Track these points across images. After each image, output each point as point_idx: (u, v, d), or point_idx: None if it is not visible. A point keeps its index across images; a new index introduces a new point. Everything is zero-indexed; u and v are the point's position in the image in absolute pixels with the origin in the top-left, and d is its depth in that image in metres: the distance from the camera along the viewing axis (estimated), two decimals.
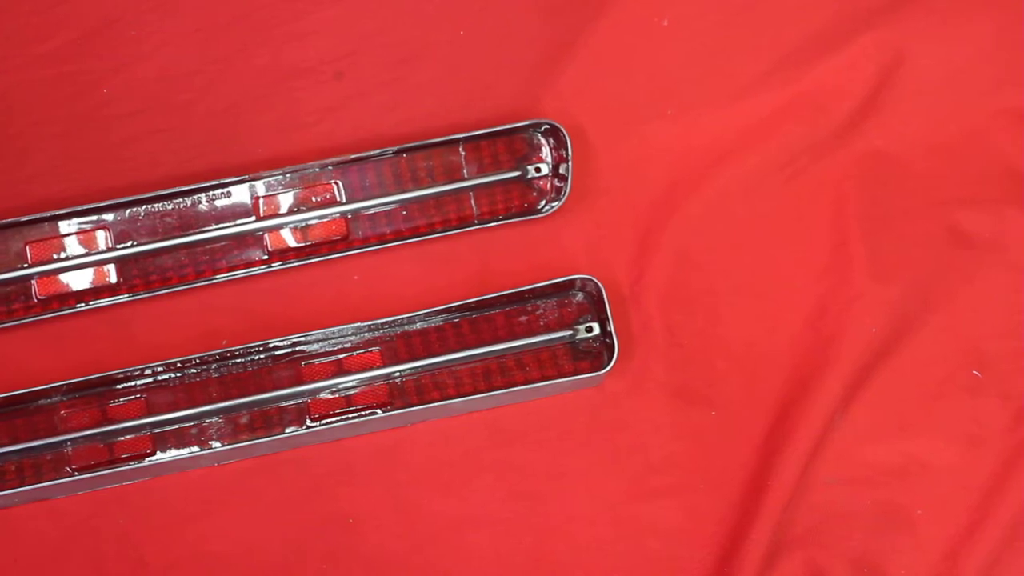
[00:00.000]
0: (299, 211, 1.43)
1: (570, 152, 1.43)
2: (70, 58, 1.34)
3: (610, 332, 1.41)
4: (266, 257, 1.44)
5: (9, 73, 1.34)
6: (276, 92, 1.40)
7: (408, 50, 1.41)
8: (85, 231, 1.41)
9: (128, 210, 1.42)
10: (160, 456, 1.38)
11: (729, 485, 1.41)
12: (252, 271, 1.43)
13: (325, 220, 1.44)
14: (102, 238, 1.41)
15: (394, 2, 1.38)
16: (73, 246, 1.41)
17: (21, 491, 1.36)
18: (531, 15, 1.43)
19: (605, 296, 1.41)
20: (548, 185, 1.46)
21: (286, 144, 1.43)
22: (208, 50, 1.37)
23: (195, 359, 1.40)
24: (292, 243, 1.44)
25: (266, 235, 1.44)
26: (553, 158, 1.46)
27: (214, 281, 1.43)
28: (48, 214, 1.40)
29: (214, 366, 1.41)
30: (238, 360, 1.41)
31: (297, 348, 1.41)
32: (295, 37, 1.38)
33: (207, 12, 1.35)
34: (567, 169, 1.44)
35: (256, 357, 1.41)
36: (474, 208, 1.46)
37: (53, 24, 1.33)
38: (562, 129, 1.43)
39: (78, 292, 1.42)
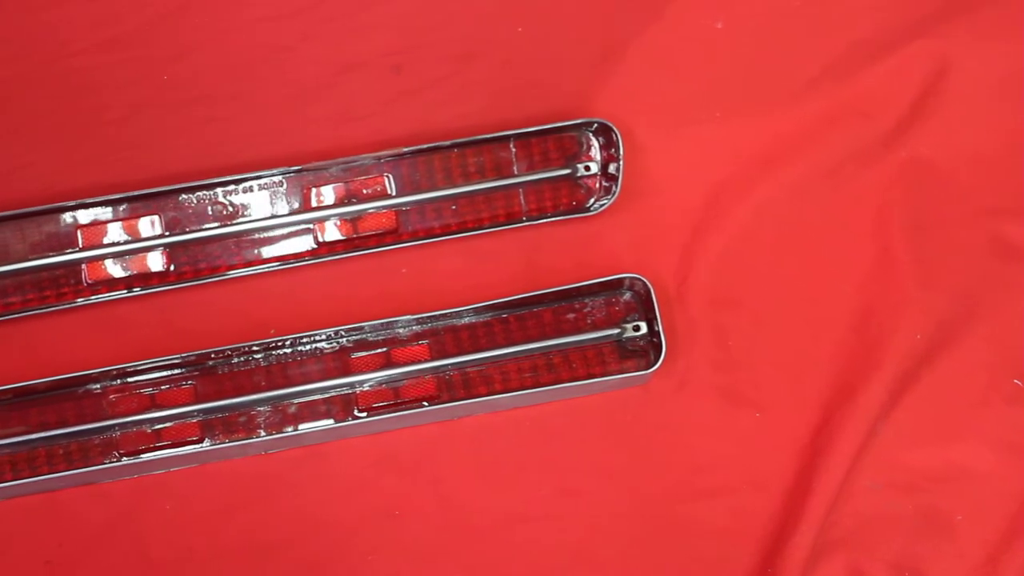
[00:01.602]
0: (350, 203, 1.44)
1: (621, 151, 1.43)
2: (134, 44, 1.34)
3: (658, 332, 1.41)
4: (316, 247, 1.44)
5: (72, 57, 1.34)
6: (334, 84, 1.41)
7: (466, 46, 1.41)
8: (136, 217, 1.41)
9: (180, 197, 1.42)
10: (207, 444, 1.38)
11: (773, 487, 1.42)
12: (302, 262, 1.43)
13: (375, 212, 1.44)
14: (153, 224, 1.41)
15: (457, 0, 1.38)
16: (124, 232, 1.41)
17: (68, 475, 1.37)
18: (589, 14, 1.44)
19: (654, 295, 1.41)
20: (596, 184, 1.47)
21: (340, 136, 1.43)
22: (271, 40, 1.37)
23: (243, 347, 1.40)
24: (342, 235, 1.44)
25: (316, 226, 1.44)
26: (602, 157, 1.46)
27: (263, 270, 1.43)
28: (100, 199, 1.40)
29: (262, 355, 1.41)
30: (286, 349, 1.41)
31: (346, 339, 1.42)
32: (357, 30, 1.38)
33: (274, 2, 1.35)
34: (617, 168, 1.45)
35: (304, 347, 1.41)
36: (523, 205, 1.47)
37: (119, 9, 1.33)
38: (614, 128, 1.43)
39: (127, 278, 1.42)
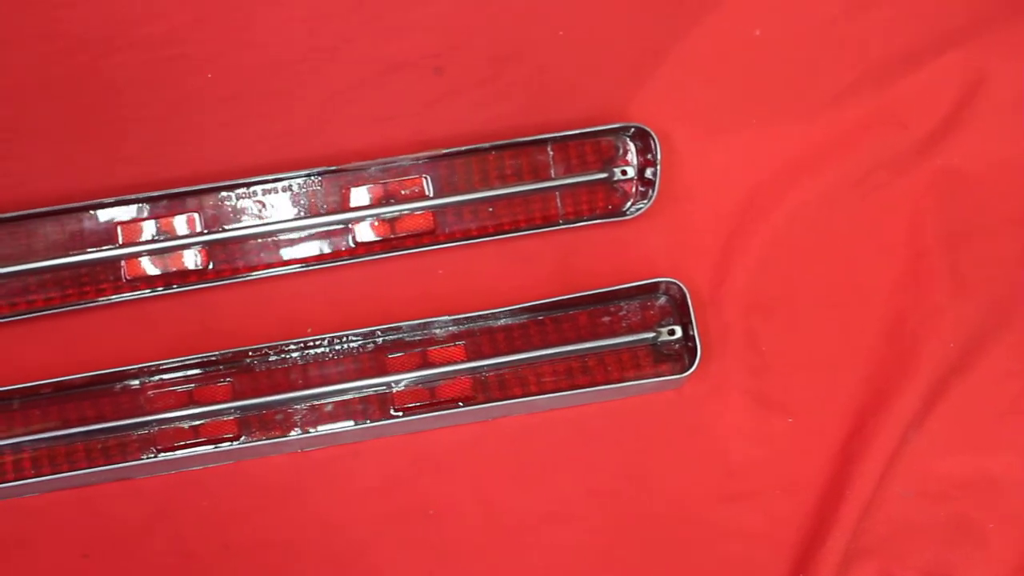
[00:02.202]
0: (388, 203, 1.44)
1: (659, 156, 1.44)
2: (177, 41, 1.35)
3: (693, 336, 1.42)
4: (353, 247, 1.45)
5: (115, 54, 1.34)
6: (375, 84, 1.41)
7: (507, 48, 1.42)
8: (175, 215, 1.42)
9: (219, 195, 1.43)
10: (244, 441, 1.39)
11: (806, 492, 1.43)
12: (339, 261, 1.44)
13: (413, 213, 1.45)
14: (192, 222, 1.42)
15: (499, 1, 1.39)
16: (163, 229, 1.42)
17: (106, 470, 1.37)
18: (629, 19, 1.44)
19: (689, 300, 1.42)
20: (632, 188, 1.47)
21: (379, 136, 1.44)
22: (314, 39, 1.38)
23: (280, 346, 1.40)
24: (379, 235, 1.45)
25: (354, 226, 1.44)
26: (639, 161, 1.47)
27: (301, 269, 1.43)
28: (139, 196, 1.41)
29: (299, 353, 1.41)
30: (323, 348, 1.42)
31: (382, 339, 1.42)
32: (400, 30, 1.39)
33: (317, 2, 1.35)
34: (654, 173, 1.45)
35: (341, 346, 1.42)
36: (559, 208, 1.47)
37: (162, 7, 1.34)
38: (651, 133, 1.44)
39: (166, 275, 1.42)
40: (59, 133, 1.39)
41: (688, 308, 1.42)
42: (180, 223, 1.42)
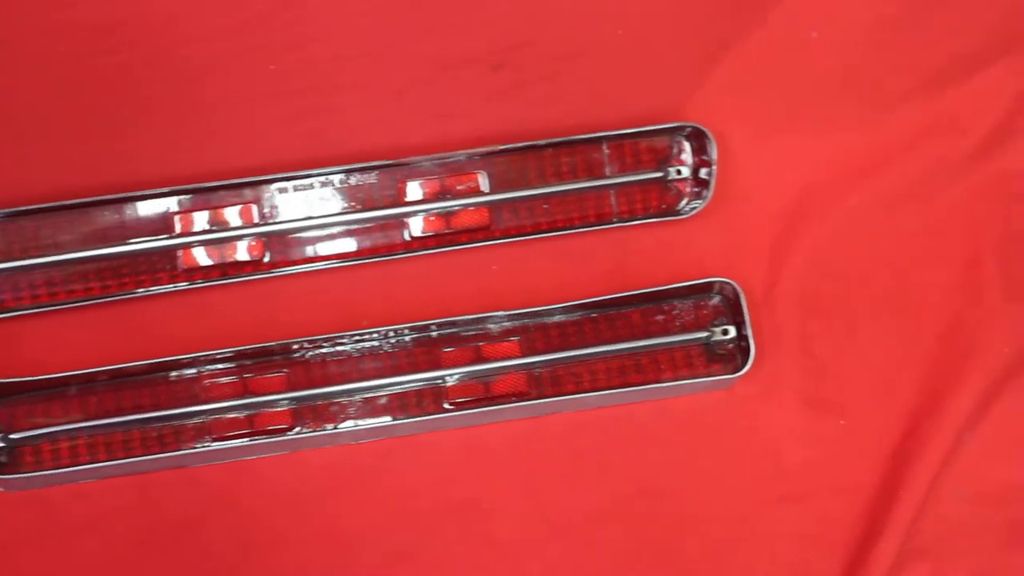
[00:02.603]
0: (444, 199, 1.45)
1: (714, 156, 1.45)
2: (247, 34, 1.35)
3: (746, 336, 1.42)
4: (408, 241, 1.45)
5: (189, 44, 1.35)
6: (437, 80, 1.42)
7: (567, 47, 1.43)
8: (234, 205, 1.43)
9: (277, 187, 1.43)
10: (298, 431, 1.40)
11: (858, 493, 1.43)
12: (394, 255, 1.44)
13: (468, 209, 1.46)
14: (250, 213, 1.43)
15: (561, 1, 1.40)
16: (221, 219, 1.43)
17: (162, 457, 1.38)
18: (687, 19, 1.45)
19: (743, 300, 1.42)
20: (687, 187, 1.48)
21: (438, 132, 1.44)
22: (381, 34, 1.38)
23: (335, 338, 1.41)
24: (434, 230, 1.45)
25: (409, 220, 1.45)
26: (694, 161, 1.47)
27: (356, 263, 1.44)
28: (199, 186, 1.42)
29: (354, 345, 1.42)
30: (378, 341, 1.42)
31: (437, 333, 1.43)
32: (462, 27, 1.39)
33: None
34: (709, 173, 1.46)
35: (396, 339, 1.42)
36: (613, 206, 1.48)
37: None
38: (708, 133, 1.44)
39: (222, 265, 1.43)
40: (128, 121, 1.40)
41: (742, 308, 1.43)
42: (237, 214, 1.43)
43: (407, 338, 1.43)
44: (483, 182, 1.46)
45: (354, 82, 1.41)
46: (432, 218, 1.45)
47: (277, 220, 1.43)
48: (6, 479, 1.36)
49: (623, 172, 1.48)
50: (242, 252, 1.43)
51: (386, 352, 1.43)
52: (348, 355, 1.42)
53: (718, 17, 1.45)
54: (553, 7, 1.40)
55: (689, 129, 1.46)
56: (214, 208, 1.43)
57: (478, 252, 1.46)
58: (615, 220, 1.48)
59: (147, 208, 1.42)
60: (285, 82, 1.39)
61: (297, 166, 1.43)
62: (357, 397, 1.41)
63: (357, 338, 1.42)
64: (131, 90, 1.39)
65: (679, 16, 1.44)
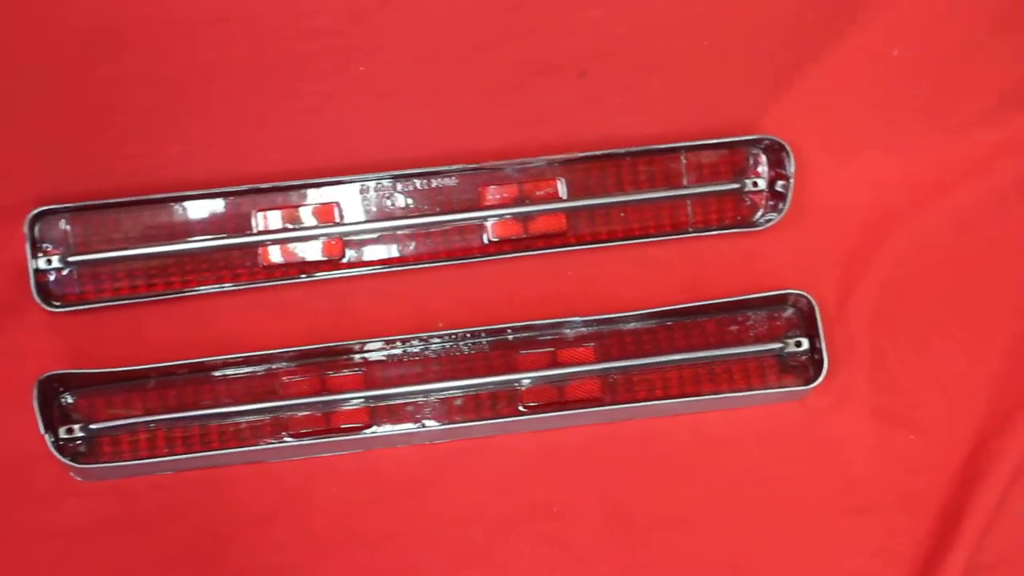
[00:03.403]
0: (522, 204, 1.46)
1: (792, 170, 1.46)
2: (336, 34, 1.37)
3: (819, 349, 1.43)
4: (486, 245, 1.46)
5: (277, 43, 1.36)
6: (522, 85, 1.43)
7: (652, 56, 1.44)
8: (315, 204, 1.44)
9: (358, 188, 1.44)
10: (375, 430, 1.41)
11: (926, 508, 1.44)
12: (471, 258, 1.45)
13: (546, 215, 1.47)
14: (331, 212, 1.44)
15: (650, 9, 1.41)
16: (301, 217, 1.44)
17: (238, 452, 1.39)
18: (770, 33, 1.46)
19: (818, 313, 1.43)
20: (762, 200, 1.49)
21: (518, 137, 1.46)
22: (469, 38, 1.39)
23: (414, 338, 1.42)
24: (512, 235, 1.46)
25: (488, 224, 1.46)
26: (770, 174, 1.48)
27: (434, 265, 1.45)
28: (280, 184, 1.43)
29: (432, 346, 1.43)
30: (454, 342, 1.43)
31: (513, 336, 1.44)
32: (551, 34, 1.40)
33: (478, 2, 1.37)
34: (785, 186, 1.47)
35: (473, 341, 1.44)
36: (689, 216, 1.49)
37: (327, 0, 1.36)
38: (786, 146, 1.46)
39: (301, 263, 1.44)
40: (210, 117, 1.41)
41: (816, 321, 1.44)
42: (318, 213, 1.44)
43: (483, 341, 1.44)
44: (561, 188, 1.47)
45: (439, 85, 1.42)
46: (510, 223, 1.46)
47: (357, 220, 1.45)
48: (84, 468, 1.37)
49: (700, 182, 1.49)
50: (321, 251, 1.44)
51: (462, 354, 1.44)
52: (424, 356, 1.43)
53: (800, 31, 1.46)
54: (640, 17, 1.41)
55: (767, 142, 1.47)
56: (295, 207, 1.44)
57: (554, 258, 1.47)
58: (690, 230, 1.49)
59: (228, 204, 1.43)
60: (372, 83, 1.40)
61: (378, 167, 1.44)
62: (432, 398, 1.42)
63: (434, 339, 1.43)
64: (216, 86, 1.40)
65: (762, 28, 1.45)
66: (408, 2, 1.35)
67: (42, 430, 1.35)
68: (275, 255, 1.44)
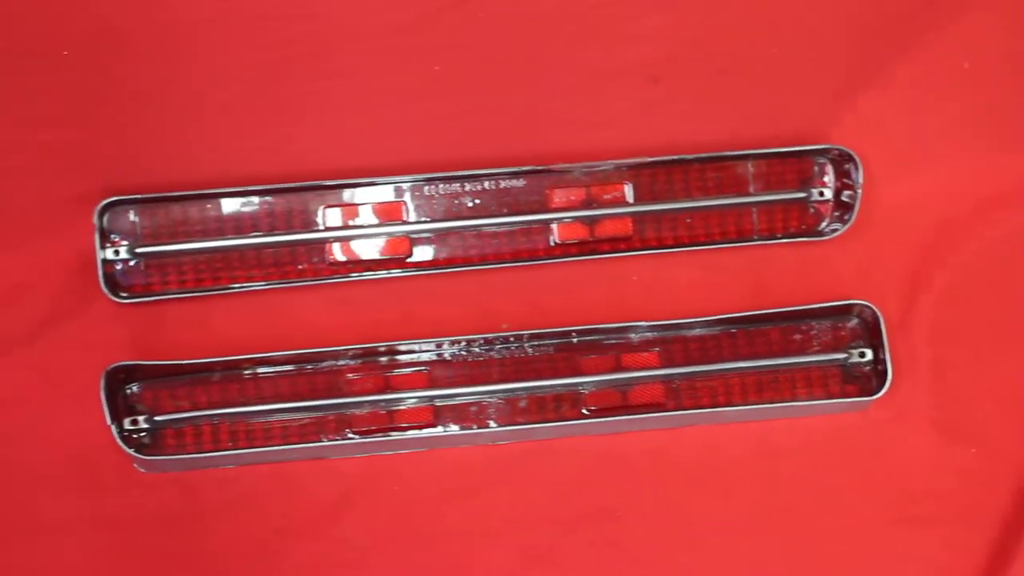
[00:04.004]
0: (589, 207, 1.46)
1: (860, 180, 1.46)
2: (411, 33, 1.37)
3: (883, 360, 1.43)
4: (551, 247, 1.46)
5: (353, 42, 1.37)
6: (591, 89, 1.43)
7: (723, 63, 1.44)
8: (381, 202, 1.44)
9: (424, 187, 1.44)
10: (438, 429, 1.41)
11: (986, 522, 1.44)
12: (537, 260, 1.46)
13: (612, 218, 1.47)
14: (398, 211, 1.44)
15: (722, 15, 1.41)
16: (368, 215, 1.44)
17: (302, 447, 1.39)
18: (842, 42, 1.46)
19: (882, 324, 1.43)
20: (828, 209, 1.49)
21: (587, 140, 1.45)
22: (542, 40, 1.39)
23: (479, 339, 1.42)
24: (577, 238, 1.46)
25: (553, 226, 1.46)
26: (836, 184, 1.48)
27: (499, 266, 1.45)
28: (348, 181, 1.43)
29: (496, 347, 1.43)
30: (518, 344, 1.43)
31: (577, 339, 1.44)
32: (625, 38, 1.40)
33: (555, 2, 1.37)
34: (850, 196, 1.47)
35: (537, 343, 1.44)
36: (755, 223, 1.49)
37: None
38: (855, 156, 1.45)
39: (367, 261, 1.44)
40: (283, 113, 1.41)
41: (881, 332, 1.44)
42: (386, 211, 1.44)
43: (548, 343, 1.44)
44: (628, 192, 1.47)
45: (510, 86, 1.42)
46: (576, 226, 1.46)
47: (423, 219, 1.45)
48: (148, 460, 1.38)
49: (766, 190, 1.49)
50: (387, 249, 1.44)
51: (526, 356, 1.44)
52: (488, 357, 1.43)
53: (873, 42, 1.46)
54: (713, 23, 1.41)
55: (835, 152, 1.47)
56: (363, 204, 1.44)
57: (619, 262, 1.47)
58: (755, 238, 1.49)
59: (296, 200, 1.43)
60: (445, 83, 1.40)
61: (446, 166, 1.44)
62: (496, 399, 1.42)
63: (498, 341, 1.43)
64: (290, 82, 1.40)
65: (835, 39, 1.45)
66: (486, 2, 1.35)
67: (108, 421, 1.35)
68: (341, 252, 1.44)
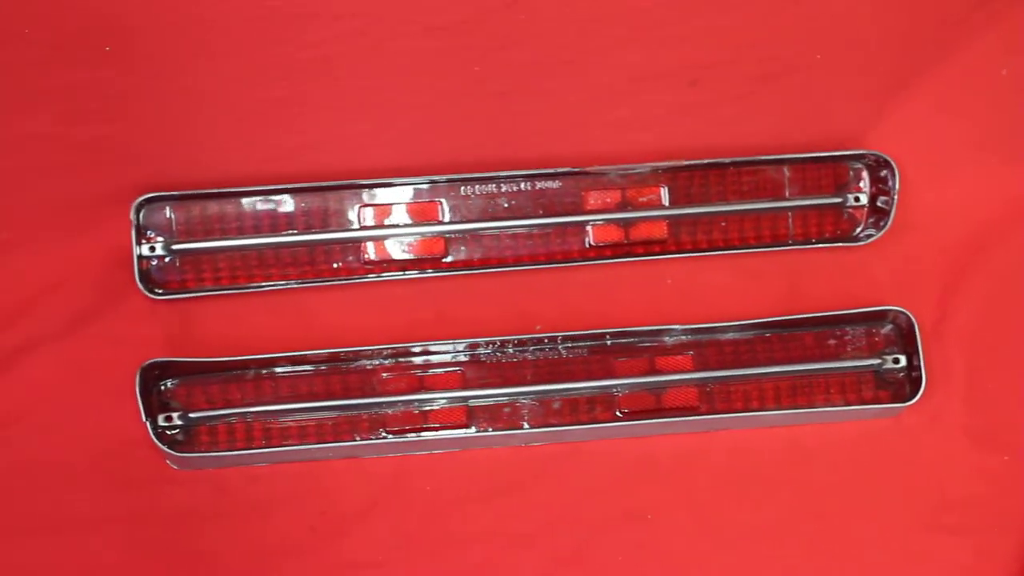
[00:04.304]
0: (624, 210, 1.46)
1: (897, 187, 1.45)
2: (458, 33, 1.37)
3: (918, 366, 1.43)
4: (586, 249, 1.46)
5: (399, 40, 1.36)
6: (631, 91, 1.43)
7: (764, 68, 1.43)
8: (420, 202, 1.44)
9: (462, 187, 1.44)
10: (472, 431, 1.41)
11: (1019, 530, 1.43)
12: (571, 262, 1.45)
13: (647, 221, 1.47)
14: (436, 211, 1.44)
15: (763, 20, 1.41)
16: (406, 215, 1.44)
17: (335, 446, 1.39)
18: (880, 47, 1.45)
19: (917, 331, 1.43)
20: (862, 215, 1.49)
21: (625, 142, 1.45)
22: (585, 42, 1.39)
23: (512, 340, 1.42)
24: (612, 240, 1.46)
25: (589, 228, 1.46)
26: (872, 189, 1.48)
27: (533, 268, 1.45)
28: (385, 180, 1.43)
29: (530, 348, 1.43)
30: (552, 346, 1.43)
31: (611, 342, 1.44)
32: (666, 40, 1.40)
33: (599, 5, 1.37)
34: (886, 202, 1.47)
35: (571, 345, 1.43)
36: (790, 228, 1.49)
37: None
38: (892, 163, 1.45)
39: (402, 260, 1.44)
40: (327, 110, 1.41)
41: (915, 338, 1.43)
42: (422, 211, 1.44)
43: (582, 345, 1.44)
44: (664, 195, 1.47)
45: (550, 88, 1.42)
46: (611, 228, 1.46)
47: (459, 219, 1.44)
48: (182, 457, 1.38)
49: (802, 195, 1.48)
50: (423, 249, 1.44)
51: (560, 358, 1.44)
52: (522, 358, 1.43)
53: (912, 48, 1.45)
54: (755, 28, 1.41)
55: (871, 157, 1.47)
56: (398, 204, 1.44)
57: (654, 265, 1.47)
58: (791, 242, 1.48)
59: (332, 199, 1.43)
60: (486, 83, 1.40)
61: (482, 167, 1.44)
62: (530, 400, 1.42)
63: (532, 342, 1.42)
64: (333, 81, 1.40)
65: (876, 44, 1.45)
66: (530, 5, 1.35)
67: (143, 417, 1.35)
68: (377, 251, 1.44)
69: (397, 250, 1.44)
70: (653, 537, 1.42)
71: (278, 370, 1.41)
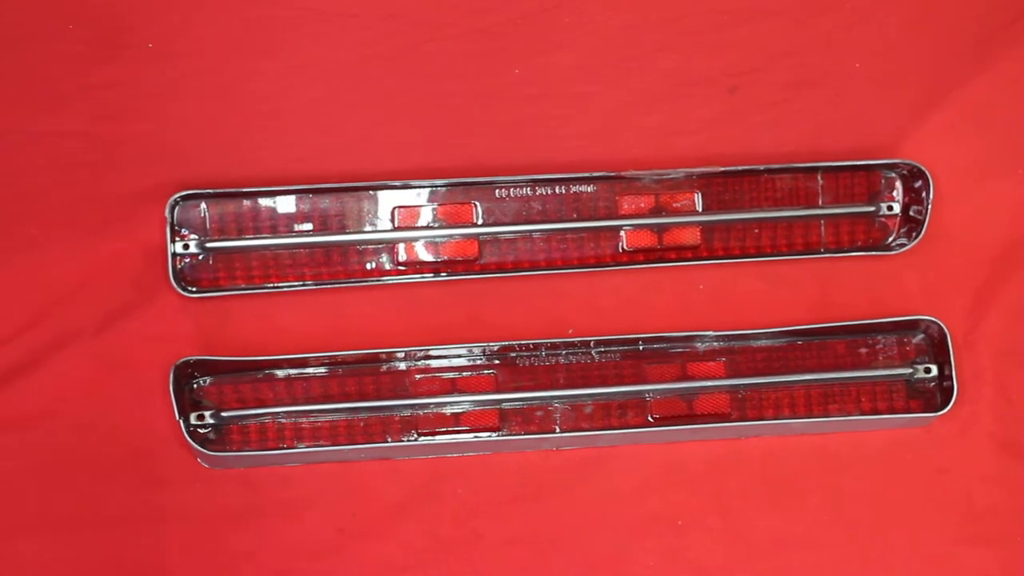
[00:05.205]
0: (658, 215, 1.46)
1: (931, 196, 1.45)
2: (498, 36, 1.37)
3: (950, 376, 1.43)
4: (619, 254, 1.46)
5: (438, 41, 1.36)
6: (669, 97, 1.43)
7: (803, 75, 1.44)
8: (453, 204, 1.44)
9: (495, 190, 1.44)
10: (504, 433, 1.41)
11: None
12: (604, 267, 1.45)
13: (681, 227, 1.47)
14: (469, 213, 1.44)
15: (803, 29, 1.41)
16: (439, 216, 1.44)
17: (367, 447, 1.39)
18: (920, 58, 1.45)
19: (949, 341, 1.43)
20: (895, 224, 1.49)
21: (661, 147, 1.45)
22: (627, 48, 1.39)
23: (545, 343, 1.42)
24: (646, 245, 1.46)
25: (622, 232, 1.46)
26: (905, 198, 1.48)
27: (566, 271, 1.45)
28: (418, 182, 1.43)
29: (563, 352, 1.43)
30: (585, 350, 1.43)
31: (643, 347, 1.44)
32: (707, 47, 1.40)
33: (640, 10, 1.37)
34: (918, 211, 1.47)
35: (603, 349, 1.43)
36: (822, 236, 1.49)
37: (494, 2, 1.36)
38: (926, 172, 1.45)
39: (436, 262, 1.44)
40: (361, 110, 1.41)
41: (947, 348, 1.43)
42: (456, 213, 1.44)
43: (614, 350, 1.44)
44: (698, 201, 1.47)
45: (588, 92, 1.42)
46: (645, 233, 1.46)
47: (494, 222, 1.44)
48: (213, 456, 1.37)
49: (835, 203, 1.48)
50: (457, 251, 1.44)
51: (593, 362, 1.43)
52: (555, 362, 1.43)
53: (949, 59, 1.46)
54: (796, 36, 1.41)
55: (905, 167, 1.47)
56: (432, 205, 1.44)
57: (687, 270, 1.47)
58: (823, 250, 1.48)
59: (366, 200, 1.43)
60: (525, 86, 1.40)
61: (518, 170, 1.44)
62: (562, 404, 1.42)
63: (565, 346, 1.42)
64: (370, 81, 1.40)
65: (914, 54, 1.45)
66: (572, 9, 1.35)
67: (177, 415, 1.35)
68: (411, 253, 1.44)
69: (430, 252, 1.44)
70: (683, 543, 1.42)
71: (310, 370, 1.41)
